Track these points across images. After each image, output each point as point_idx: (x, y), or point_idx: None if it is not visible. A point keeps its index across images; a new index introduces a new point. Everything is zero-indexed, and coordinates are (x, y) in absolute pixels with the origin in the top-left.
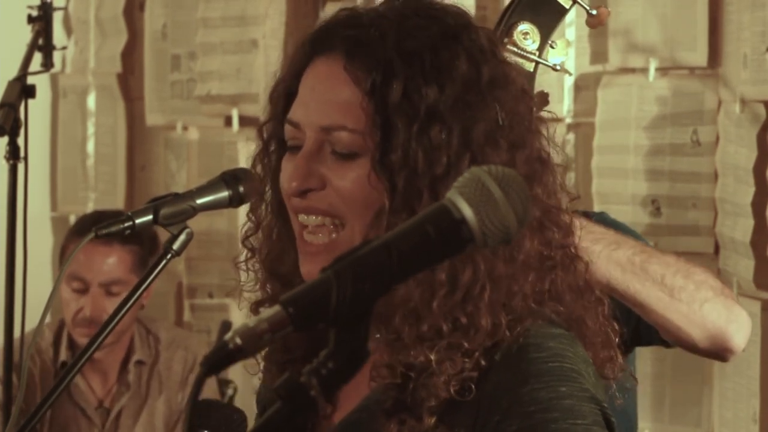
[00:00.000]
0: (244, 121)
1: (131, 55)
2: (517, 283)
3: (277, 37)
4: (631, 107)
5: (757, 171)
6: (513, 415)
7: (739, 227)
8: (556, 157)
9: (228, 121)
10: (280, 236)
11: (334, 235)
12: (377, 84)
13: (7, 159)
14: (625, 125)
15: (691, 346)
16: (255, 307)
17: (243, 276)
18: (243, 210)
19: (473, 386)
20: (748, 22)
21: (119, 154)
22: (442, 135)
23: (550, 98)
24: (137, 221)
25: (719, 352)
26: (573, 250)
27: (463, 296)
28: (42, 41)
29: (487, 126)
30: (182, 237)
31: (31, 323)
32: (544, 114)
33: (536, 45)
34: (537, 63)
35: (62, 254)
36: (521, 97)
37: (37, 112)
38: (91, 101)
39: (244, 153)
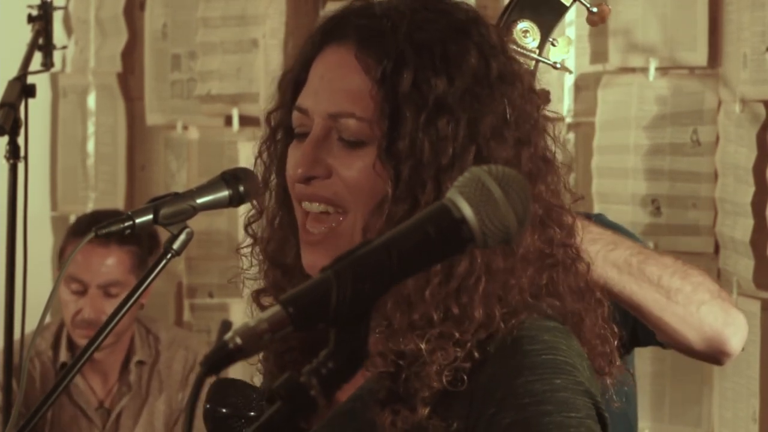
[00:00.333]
0: (244, 120)
1: (131, 54)
2: (514, 277)
3: (277, 37)
4: (631, 107)
5: (757, 171)
6: (507, 407)
7: (739, 227)
8: (560, 157)
9: (228, 121)
10: (283, 224)
11: (334, 224)
12: (388, 73)
13: (7, 159)
14: (625, 125)
15: (687, 349)
16: (256, 296)
17: (245, 263)
18: (243, 210)
19: (466, 377)
20: (748, 22)
21: (119, 154)
22: (449, 126)
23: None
24: (137, 221)
25: (715, 354)
26: (575, 251)
27: (458, 287)
28: (42, 41)
29: (494, 120)
30: (182, 237)
31: (31, 323)
32: (546, 113)
33: (536, 43)
34: (537, 61)
35: (61, 255)
36: (528, 95)
37: (37, 111)
38: (91, 101)
39: (244, 153)
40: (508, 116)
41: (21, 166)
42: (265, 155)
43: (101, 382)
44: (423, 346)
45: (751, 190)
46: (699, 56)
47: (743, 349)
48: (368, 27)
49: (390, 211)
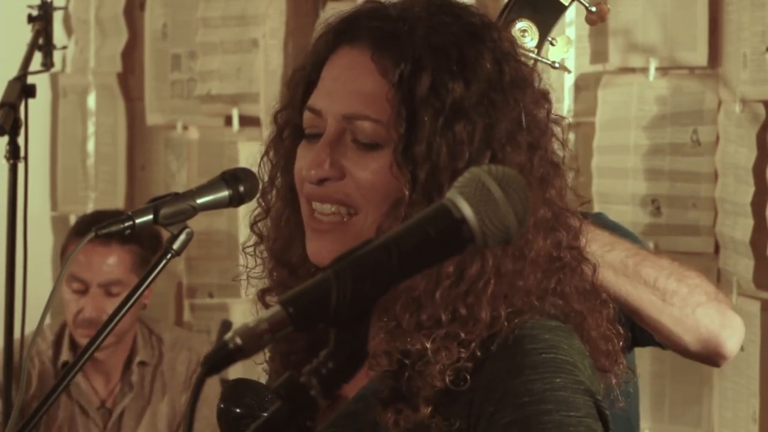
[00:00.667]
0: (245, 120)
1: (131, 54)
2: (522, 279)
3: (277, 37)
4: (631, 107)
5: (757, 171)
6: (507, 405)
7: (739, 227)
8: (566, 160)
9: (228, 121)
10: (289, 223)
11: (346, 219)
12: (405, 76)
13: (7, 159)
14: (625, 125)
15: (683, 350)
16: (261, 295)
17: (250, 262)
18: (243, 210)
19: (468, 377)
20: (748, 22)
21: (119, 154)
22: (465, 131)
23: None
24: (137, 221)
25: (711, 356)
26: (580, 253)
27: (467, 289)
28: (42, 41)
29: (509, 125)
30: (182, 237)
31: (31, 323)
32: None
33: (534, 42)
34: (535, 61)
35: (63, 254)
36: (539, 100)
37: (37, 111)
38: (92, 101)
39: (244, 153)
40: (522, 121)
41: (21, 166)
42: (272, 153)
43: (103, 382)
44: (428, 345)
45: (751, 190)
46: (699, 56)
47: (743, 349)
48: (384, 29)
49: (407, 213)
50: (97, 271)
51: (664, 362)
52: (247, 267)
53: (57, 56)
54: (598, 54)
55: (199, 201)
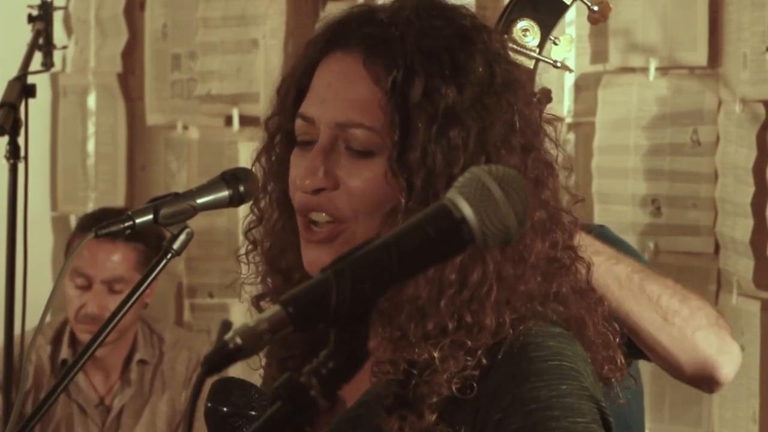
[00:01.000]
0: (245, 120)
1: (131, 54)
2: (524, 284)
3: (277, 37)
4: (631, 107)
5: (757, 171)
6: (513, 413)
7: (739, 227)
8: (560, 159)
9: (228, 121)
10: (283, 230)
11: (341, 228)
12: (398, 82)
13: (7, 159)
14: (625, 125)
15: (677, 371)
16: (256, 301)
17: (244, 269)
18: (243, 210)
19: (474, 384)
20: (748, 22)
21: (119, 154)
22: (460, 136)
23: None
24: (137, 221)
25: (705, 381)
26: (575, 252)
27: (471, 296)
28: (42, 41)
29: (502, 128)
30: (182, 237)
31: (32, 323)
32: (545, 114)
33: (536, 42)
34: (537, 60)
35: (67, 249)
36: (530, 101)
37: (37, 111)
38: (92, 101)
39: (245, 153)
40: (515, 124)
41: (21, 166)
42: (263, 160)
43: (102, 379)
44: (436, 354)
45: (751, 190)
46: (699, 56)
47: (743, 349)
48: (375, 35)
49: (404, 221)
50: (102, 267)
51: None
52: (241, 274)
53: (57, 56)
54: (598, 54)
55: (199, 201)
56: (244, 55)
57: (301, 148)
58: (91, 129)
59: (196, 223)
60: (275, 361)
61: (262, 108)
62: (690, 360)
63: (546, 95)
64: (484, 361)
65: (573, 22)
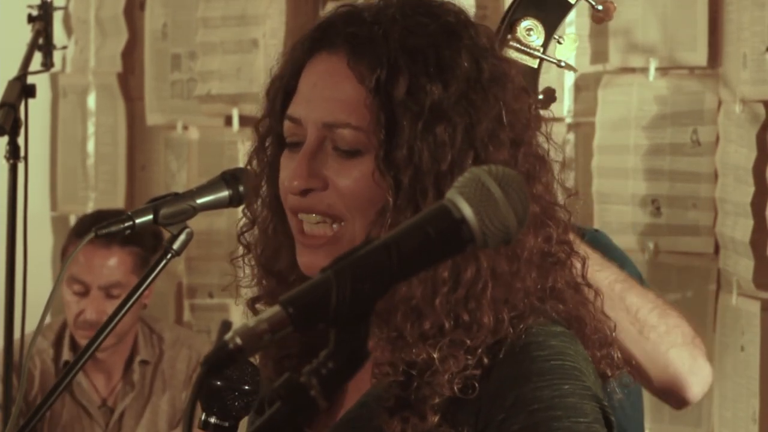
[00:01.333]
0: (245, 120)
1: (131, 54)
2: (519, 280)
3: (277, 37)
4: (631, 107)
5: (757, 171)
6: (516, 413)
7: (739, 227)
8: (553, 153)
9: (228, 121)
10: (276, 232)
11: (335, 226)
12: (382, 81)
13: (7, 159)
14: (625, 125)
15: (645, 384)
16: (251, 304)
17: (239, 272)
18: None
19: (476, 384)
20: (748, 22)
21: (119, 154)
22: (446, 132)
23: (555, 96)
24: (137, 221)
25: (673, 398)
26: (570, 246)
27: (466, 293)
28: (42, 41)
29: (489, 124)
30: (182, 237)
31: (31, 323)
32: (542, 113)
33: (541, 41)
34: (541, 59)
35: (63, 255)
36: (520, 94)
37: (37, 111)
38: (91, 101)
39: (245, 153)
40: (503, 118)
41: (21, 166)
42: (255, 164)
43: (104, 381)
44: (435, 355)
45: (751, 190)
46: (699, 56)
47: (743, 349)
48: (359, 34)
49: (393, 219)
50: (98, 273)
51: None
52: (236, 277)
53: (57, 56)
54: (599, 54)
55: (199, 201)
56: (244, 55)
57: (291, 150)
58: (91, 129)
59: (196, 223)
60: (271, 360)
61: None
62: (660, 375)
63: (550, 95)
64: (485, 360)
65: (573, 23)
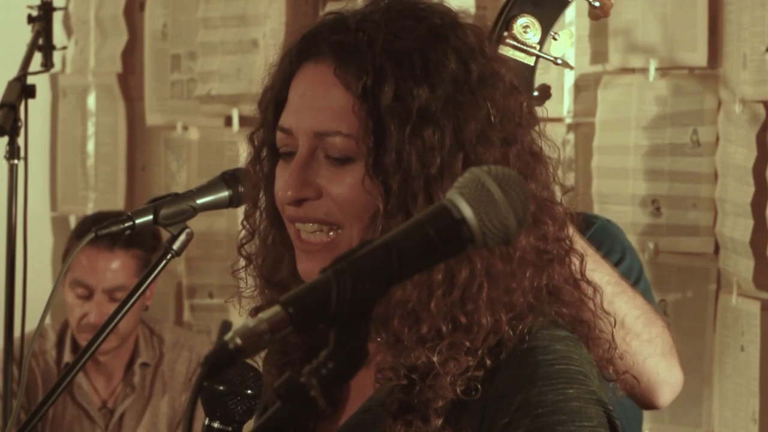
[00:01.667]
0: (245, 121)
1: (131, 55)
2: (515, 280)
3: (277, 37)
4: (631, 107)
5: (757, 171)
6: (521, 417)
7: (739, 227)
8: (549, 150)
9: (228, 121)
10: (276, 243)
11: (332, 233)
12: (368, 87)
13: (7, 159)
14: (625, 125)
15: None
16: (255, 313)
17: (241, 282)
18: (243, 210)
19: (479, 386)
20: (748, 22)
21: (119, 154)
22: (434, 136)
23: (551, 92)
24: (137, 221)
25: (644, 402)
26: (568, 243)
27: (461, 295)
28: (42, 41)
29: (478, 124)
30: (182, 237)
31: (31, 323)
32: (539, 114)
33: (537, 38)
34: (538, 57)
35: (64, 257)
36: (511, 93)
37: (37, 112)
38: (91, 101)
39: (245, 153)
40: (492, 118)
41: (21, 166)
42: (251, 175)
43: (105, 383)
44: (435, 358)
45: (751, 190)
46: (699, 56)
47: (743, 349)
48: (344, 42)
49: (384, 225)
50: (102, 277)
51: None
52: (239, 288)
53: (57, 56)
54: (598, 54)
55: (199, 201)
56: (244, 56)
57: (284, 160)
58: (91, 129)
59: (196, 223)
60: (275, 367)
61: None
62: (634, 383)
63: (545, 92)
64: (487, 361)
65: (573, 22)
